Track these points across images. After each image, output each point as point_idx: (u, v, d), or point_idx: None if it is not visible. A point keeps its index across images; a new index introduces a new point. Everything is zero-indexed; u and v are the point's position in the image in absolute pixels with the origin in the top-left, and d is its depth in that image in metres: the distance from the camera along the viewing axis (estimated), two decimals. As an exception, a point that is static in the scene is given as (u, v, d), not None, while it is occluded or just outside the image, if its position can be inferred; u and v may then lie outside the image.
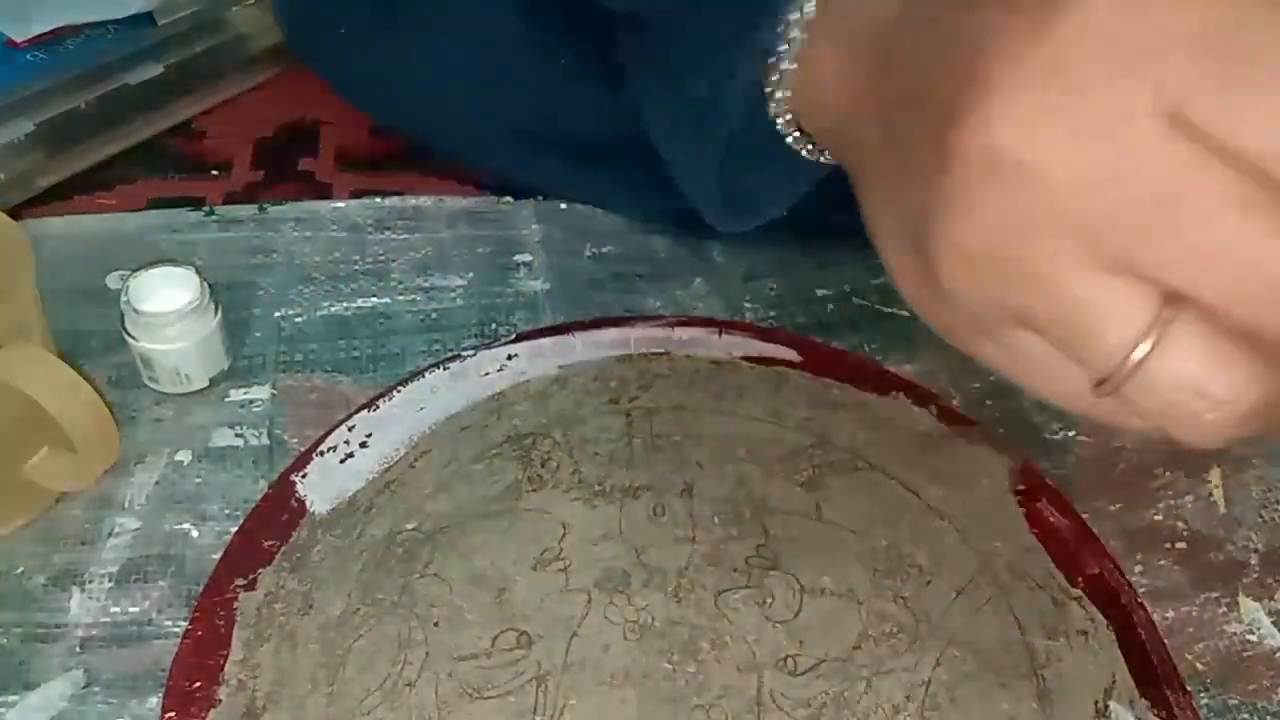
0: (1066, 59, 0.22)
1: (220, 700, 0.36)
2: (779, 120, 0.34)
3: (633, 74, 0.39)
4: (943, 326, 0.28)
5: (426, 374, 0.46)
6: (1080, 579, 0.40)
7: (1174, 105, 0.21)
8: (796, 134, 0.35)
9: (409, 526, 0.41)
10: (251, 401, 0.47)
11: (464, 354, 0.47)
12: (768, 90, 0.34)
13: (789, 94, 0.33)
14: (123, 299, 0.45)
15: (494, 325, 0.50)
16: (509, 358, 0.47)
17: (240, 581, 0.39)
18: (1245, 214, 0.21)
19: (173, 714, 0.35)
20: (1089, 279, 0.22)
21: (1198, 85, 0.21)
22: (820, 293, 0.53)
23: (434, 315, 0.51)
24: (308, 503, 0.41)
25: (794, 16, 0.31)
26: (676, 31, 0.37)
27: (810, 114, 0.33)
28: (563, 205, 0.57)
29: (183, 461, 0.44)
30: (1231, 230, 0.21)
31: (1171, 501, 0.45)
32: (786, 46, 0.32)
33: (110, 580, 0.41)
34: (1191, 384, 0.22)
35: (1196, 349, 0.22)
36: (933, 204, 0.24)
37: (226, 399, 0.47)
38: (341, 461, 0.43)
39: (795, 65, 0.32)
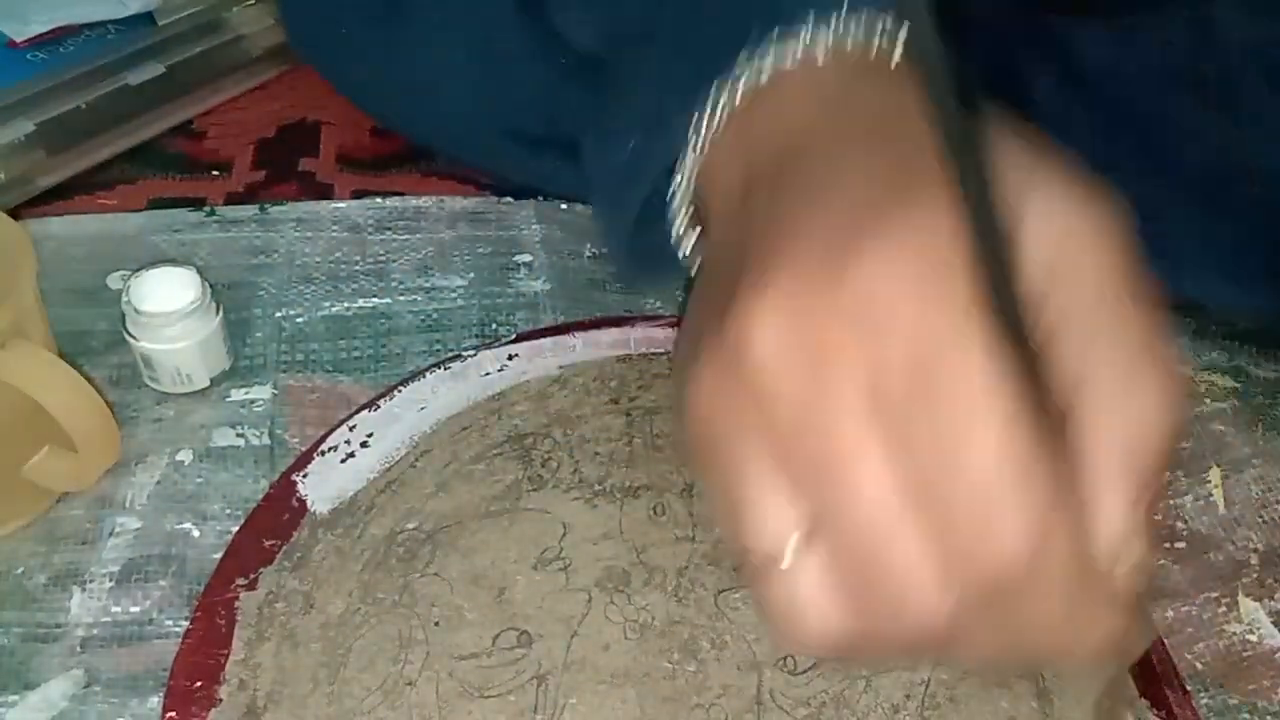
0: (823, 306, 0.24)
1: (221, 700, 0.36)
2: (675, 203, 0.34)
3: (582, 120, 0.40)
4: (679, 426, 0.30)
5: (427, 374, 0.46)
6: (1080, 579, 0.40)
7: (869, 384, 0.23)
8: (686, 218, 0.34)
9: (409, 526, 0.41)
10: (253, 401, 0.47)
11: (464, 354, 0.47)
12: (674, 175, 0.33)
13: (688, 181, 0.33)
14: (124, 299, 0.45)
15: (494, 325, 0.51)
16: (509, 358, 0.47)
17: (241, 581, 0.39)
18: (877, 478, 0.23)
19: (173, 714, 0.35)
20: (760, 479, 0.25)
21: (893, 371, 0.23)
22: (820, 293, 0.53)
23: (434, 315, 0.51)
24: (308, 502, 0.41)
25: (704, 115, 0.32)
26: (618, 90, 0.37)
27: (702, 196, 0.33)
28: (563, 205, 0.57)
29: (184, 461, 0.44)
30: (859, 485, 0.24)
31: (1171, 501, 0.45)
32: (696, 138, 0.32)
33: (111, 580, 0.41)
34: (791, 599, 0.25)
35: (809, 580, 0.25)
36: (695, 349, 0.27)
37: (228, 399, 0.47)
38: (342, 461, 0.43)
39: (697, 154, 0.32)
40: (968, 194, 0.23)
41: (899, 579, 0.24)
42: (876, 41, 0.31)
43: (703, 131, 0.32)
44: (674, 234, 0.34)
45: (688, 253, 0.34)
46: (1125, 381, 0.25)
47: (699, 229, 0.34)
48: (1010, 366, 0.23)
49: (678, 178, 0.33)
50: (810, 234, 0.25)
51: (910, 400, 0.23)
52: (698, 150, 0.32)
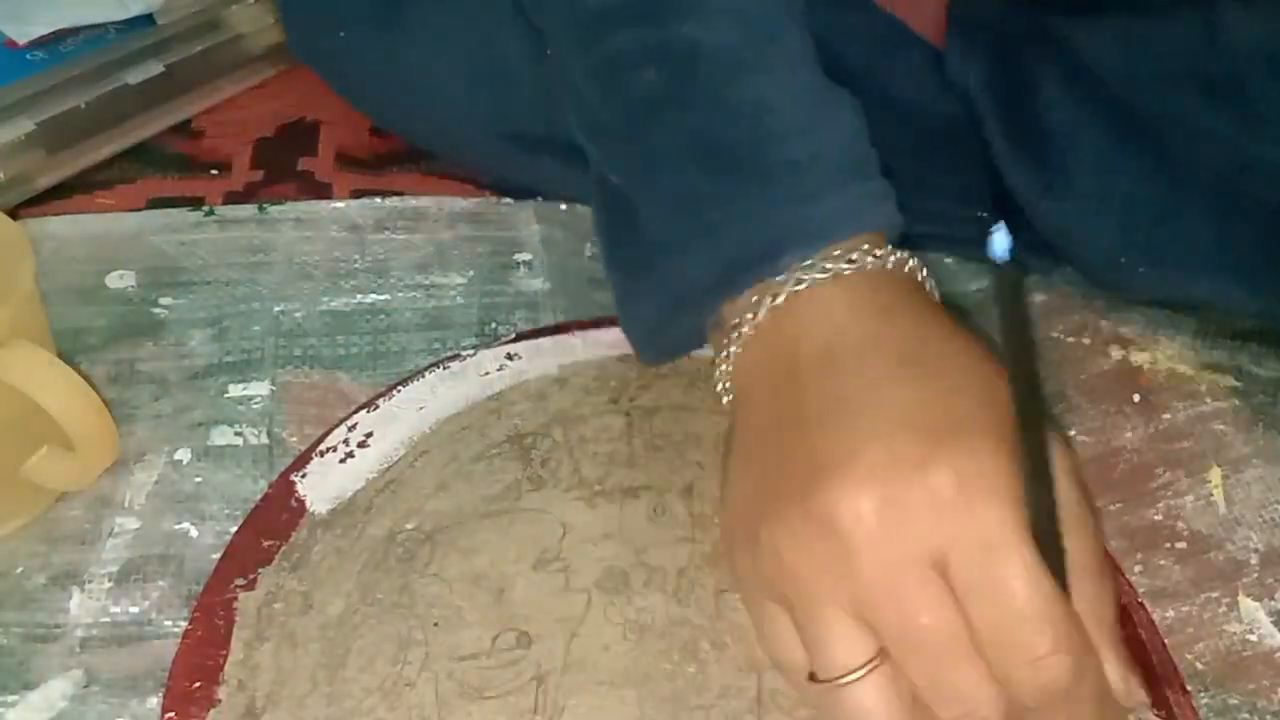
0: (909, 484, 0.31)
1: (220, 700, 0.36)
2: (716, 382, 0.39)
3: (600, 211, 0.43)
4: (733, 561, 0.36)
5: (426, 373, 0.46)
6: (1080, 579, 0.40)
7: (939, 553, 0.30)
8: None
9: (409, 526, 0.41)
10: (251, 398, 0.47)
11: (464, 353, 0.47)
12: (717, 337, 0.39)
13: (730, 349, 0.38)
14: None
15: (494, 324, 0.50)
16: (509, 357, 0.47)
17: (240, 581, 0.39)
18: (952, 619, 0.30)
19: (173, 714, 0.35)
20: (838, 615, 0.31)
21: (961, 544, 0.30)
22: (820, 292, 0.53)
23: (434, 313, 0.51)
24: (308, 502, 0.41)
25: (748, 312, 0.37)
26: (632, 227, 0.40)
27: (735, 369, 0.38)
28: (563, 205, 0.57)
29: (182, 461, 0.44)
30: (928, 632, 0.30)
31: (1171, 501, 0.45)
32: (737, 333, 0.37)
33: (110, 580, 0.41)
34: (862, 714, 0.31)
35: (878, 694, 0.31)
36: (777, 504, 0.33)
37: (225, 394, 0.47)
38: (341, 461, 0.43)
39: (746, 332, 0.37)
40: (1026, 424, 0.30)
41: (963, 692, 0.30)
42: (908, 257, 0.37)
43: (744, 328, 0.37)
44: (718, 388, 0.39)
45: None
46: (1094, 568, 0.32)
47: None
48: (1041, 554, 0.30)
49: (722, 360, 0.38)
50: (893, 422, 0.32)
51: (974, 567, 0.30)
52: (738, 342, 0.37)
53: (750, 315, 0.37)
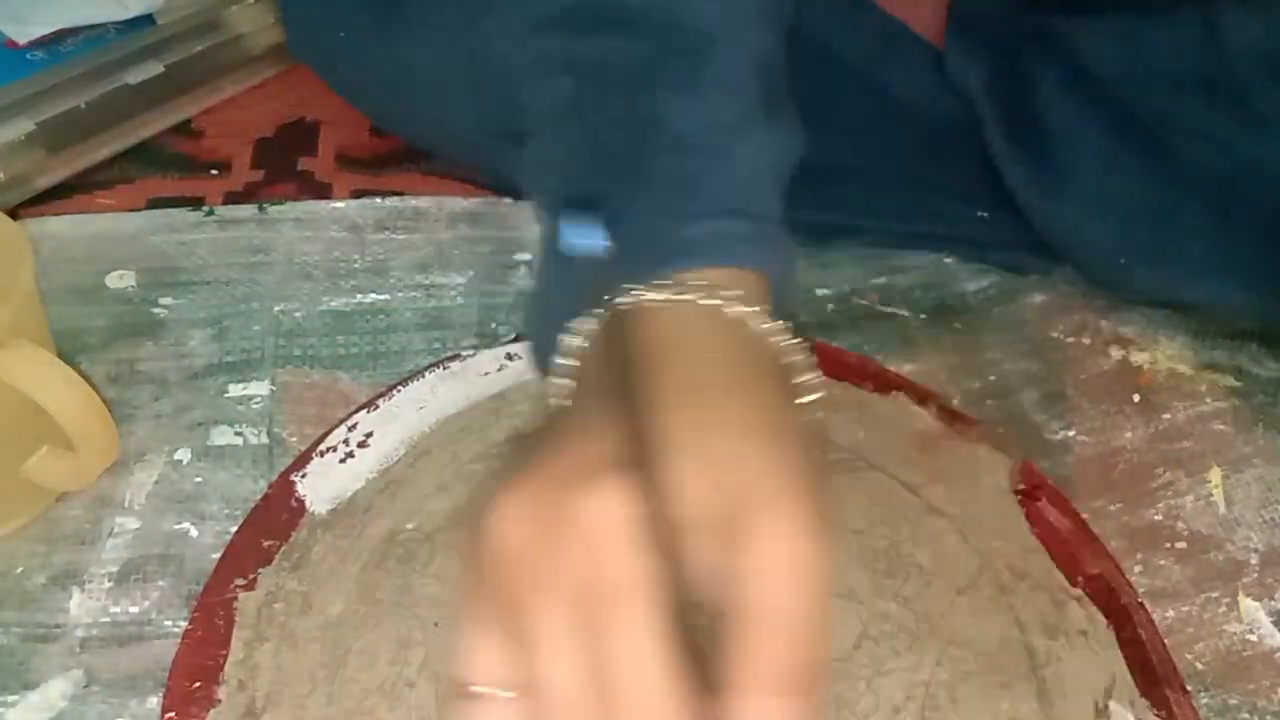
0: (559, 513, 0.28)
1: (220, 700, 0.36)
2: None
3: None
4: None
5: (427, 373, 0.46)
6: (1080, 579, 0.40)
7: (578, 592, 0.27)
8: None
9: (409, 526, 0.41)
10: (250, 397, 0.47)
11: (464, 353, 0.47)
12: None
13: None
14: None
15: (494, 324, 0.50)
16: (509, 357, 0.47)
17: (240, 581, 0.39)
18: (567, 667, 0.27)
19: (173, 714, 0.35)
20: (490, 628, 0.28)
21: None
22: (820, 293, 0.53)
23: (434, 312, 0.51)
24: (307, 502, 0.41)
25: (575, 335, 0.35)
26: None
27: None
28: (563, 205, 0.57)
29: (182, 460, 0.44)
30: (552, 667, 0.27)
31: (1171, 501, 0.45)
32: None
33: (110, 580, 0.41)
34: None
35: (503, 712, 0.28)
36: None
37: (225, 394, 0.47)
38: (341, 461, 0.43)
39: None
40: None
41: None
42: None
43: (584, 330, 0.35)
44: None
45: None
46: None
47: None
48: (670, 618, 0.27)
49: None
50: (563, 454, 0.29)
51: (597, 617, 0.27)
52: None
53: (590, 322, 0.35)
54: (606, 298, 0.35)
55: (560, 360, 0.35)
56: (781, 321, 0.35)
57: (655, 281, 0.34)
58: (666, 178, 0.37)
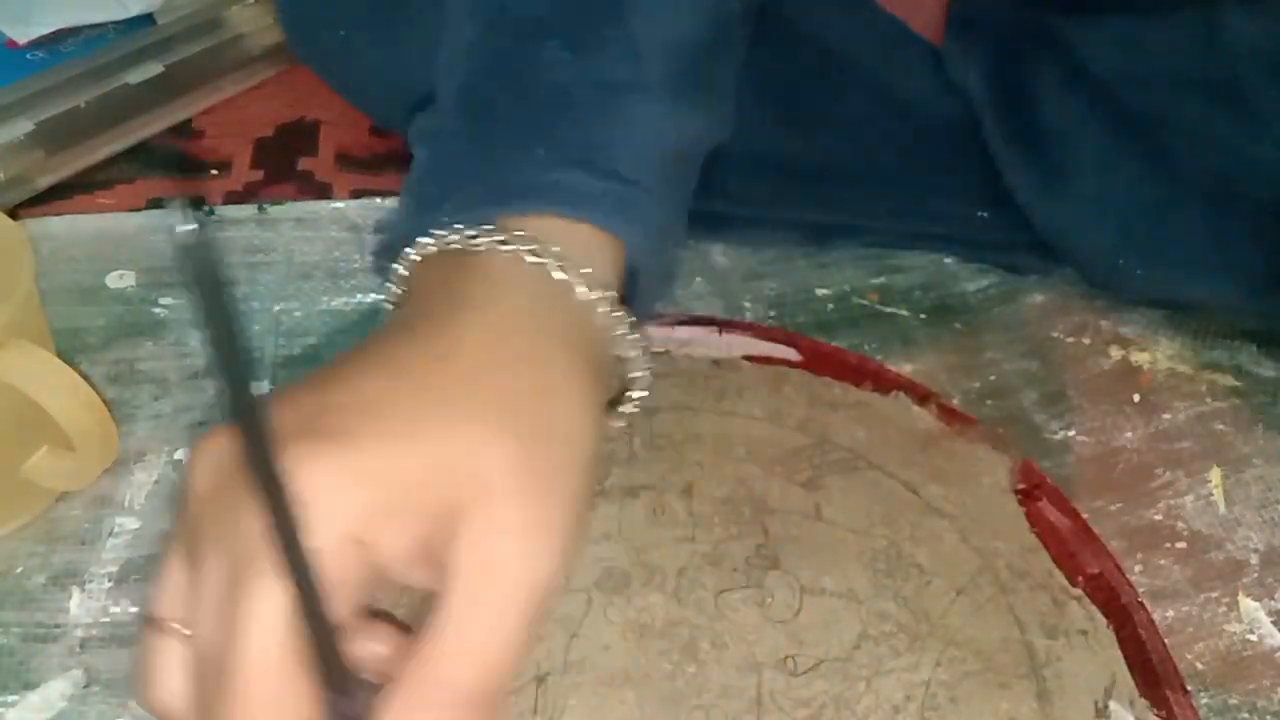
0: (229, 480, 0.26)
1: (220, 700, 0.36)
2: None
3: None
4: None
5: (426, 374, 0.46)
6: (1080, 578, 0.40)
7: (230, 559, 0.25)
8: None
9: (409, 526, 0.41)
10: (251, 401, 0.47)
11: (464, 354, 0.47)
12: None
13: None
14: None
15: (494, 325, 0.50)
16: (509, 357, 0.47)
17: (240, 581, 0.39)
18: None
19: (172, 714, 0.35)
20: (181, 562, 0.27)
21: None
22: (820, 293, 0.53)
23: (434, 315, 0.51)
24: (307, 502, 0.41)
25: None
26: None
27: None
28: (563, 205, 0.56)
29: (182, 460, 0.44)
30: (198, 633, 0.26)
31: (1171, 501, 0.45)
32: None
33: (110, 580, 0.41)
34: (143, 662, 0.27)
35: (167, 652, 0.27)
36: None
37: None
38: (341, 461, 0.43)
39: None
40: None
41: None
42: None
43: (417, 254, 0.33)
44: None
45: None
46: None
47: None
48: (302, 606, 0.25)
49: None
50: (303, 400, 0.27)
51: (239, 586, 0.25)
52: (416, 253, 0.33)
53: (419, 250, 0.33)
54: (433, 233, 0.32)
55: (387, 285, 0.33)
56: (625, 307, 0.32)
57: (484, 225, 0.31)
58: (529, 120, 0.34)
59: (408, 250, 0.33)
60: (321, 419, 0.26)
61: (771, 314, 0.52)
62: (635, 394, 0.34)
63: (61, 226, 0.54)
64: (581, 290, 0.31)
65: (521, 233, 0.31)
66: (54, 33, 0.57)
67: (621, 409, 0.35)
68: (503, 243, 0.31)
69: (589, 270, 0.31)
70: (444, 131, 0.36)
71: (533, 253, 0.31)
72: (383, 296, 0.35)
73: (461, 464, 0.26)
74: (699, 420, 0.44)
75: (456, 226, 0.32)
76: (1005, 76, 0.52)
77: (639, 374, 0.34)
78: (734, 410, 0.45)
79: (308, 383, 0.28)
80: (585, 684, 0.36)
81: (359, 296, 0.52)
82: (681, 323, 0.48)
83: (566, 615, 0.38)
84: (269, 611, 0.25)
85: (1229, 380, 0.50)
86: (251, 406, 0.23)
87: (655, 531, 0.40)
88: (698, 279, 0.53)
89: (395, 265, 0.33)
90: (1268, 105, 0.48)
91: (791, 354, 0.47)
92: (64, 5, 0.58)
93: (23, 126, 0.54)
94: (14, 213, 0.53)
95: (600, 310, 0.31)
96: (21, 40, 0.57)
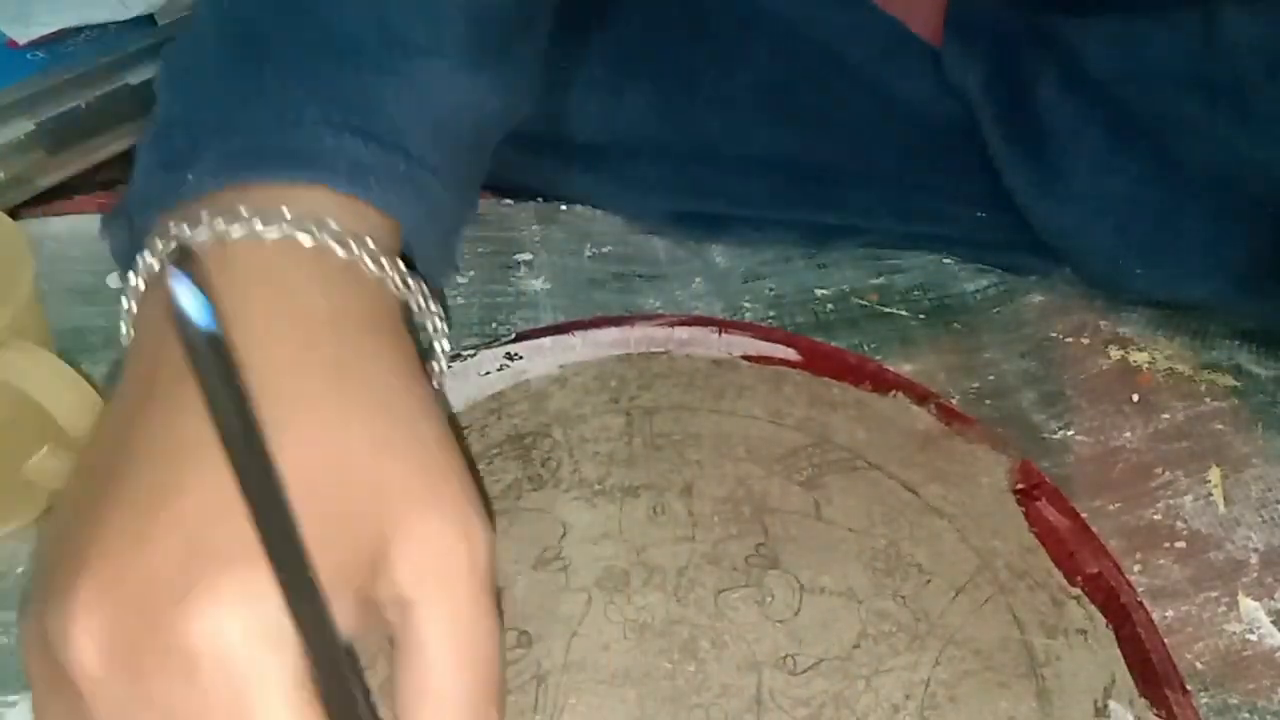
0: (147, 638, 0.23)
1: (220, 699, 0.36)
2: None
3: None
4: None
5: (426, 373, 0.46)
6: (1080, 578, 0.40)
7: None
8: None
9: (409, 526, 0.41)
10: (251, 401, 0.47)
11: (464, 353, 0.47)
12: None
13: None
14: None
15: (494, 324, 0.50)
16: (509, 357, 0.47)
17: (240, 581, 0.39)
18: None
19: (173, 713, 0.35)
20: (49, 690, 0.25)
21: None
22: (820, 293, 0.53)
23: (434, 315, 0.51)
24: (307, 502, 0.41)
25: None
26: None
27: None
28: (563, 205, 0.57)
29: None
30: None
31: (1171, 501, 0.45)
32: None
33: (110, 580, 0.41)
34: None
35: None
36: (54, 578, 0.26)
37: (226, 398, 0.47)
38: (341, 461, 0.43)
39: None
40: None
41: None
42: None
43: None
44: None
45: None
46: None
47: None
48: None
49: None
50: (145, 534, 0.24)
51: None
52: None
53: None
54: (173, 227, 0.27)
55: (127, 301, 0.28)
56: (415, 275, 0.29)
57: (240, 207, 0.26)
58: (307, 68, 0.29)
59: (146, 254, 0.28)
60: (203, 557, 0.23)
61: (771, 314, 0.52)
62: (439, 365, 0.32)
63: (62, 226, 0.54)
64: (370, 267, 0.28)
65: (285, 210, 0.27)
66: (54, 33, 0.57)
67: (434, 383, 0.33)
68: (265, 225, 0.26)
69: (373, 246, 0.28)
70: (199, 67, 0.31)
71: (309, 234, 0.27)
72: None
73: (365, 502, 0.24)
74: (698, 420, 0.44)
75: (204, 215, 0.27)
76: (1004, 76, 0.52)
77: (441, 342, 0.31)
78: (733, 410, 0.45)
79: (148, 520, 0.24)
80: (585, 683, 0.36)
81: (359, 296, 0.51)
82: (681, 323, 0.48)
83: (566, 615, 0.38)
84: None
85: (1228, 380, 0.50)
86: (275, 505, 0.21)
87: (655, 531, 0.41)
88: (697, 279, 0.53)
89: (132, 277, 0.28)
90: (1268, 105, 0.48)
91: (791, 354, 0.47)
92: (64, 5, 0.58)
93: (23, 126, 0.54)
94: (14, 213, 0.53)
95: (391, 286, 0.28)
96: (21, 40, 0.57)
